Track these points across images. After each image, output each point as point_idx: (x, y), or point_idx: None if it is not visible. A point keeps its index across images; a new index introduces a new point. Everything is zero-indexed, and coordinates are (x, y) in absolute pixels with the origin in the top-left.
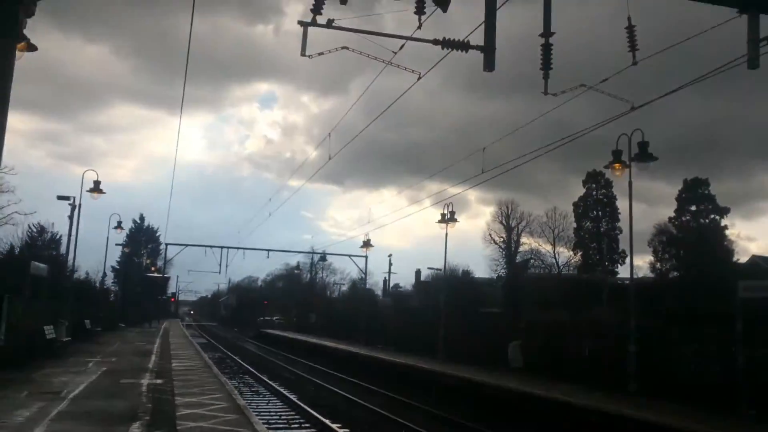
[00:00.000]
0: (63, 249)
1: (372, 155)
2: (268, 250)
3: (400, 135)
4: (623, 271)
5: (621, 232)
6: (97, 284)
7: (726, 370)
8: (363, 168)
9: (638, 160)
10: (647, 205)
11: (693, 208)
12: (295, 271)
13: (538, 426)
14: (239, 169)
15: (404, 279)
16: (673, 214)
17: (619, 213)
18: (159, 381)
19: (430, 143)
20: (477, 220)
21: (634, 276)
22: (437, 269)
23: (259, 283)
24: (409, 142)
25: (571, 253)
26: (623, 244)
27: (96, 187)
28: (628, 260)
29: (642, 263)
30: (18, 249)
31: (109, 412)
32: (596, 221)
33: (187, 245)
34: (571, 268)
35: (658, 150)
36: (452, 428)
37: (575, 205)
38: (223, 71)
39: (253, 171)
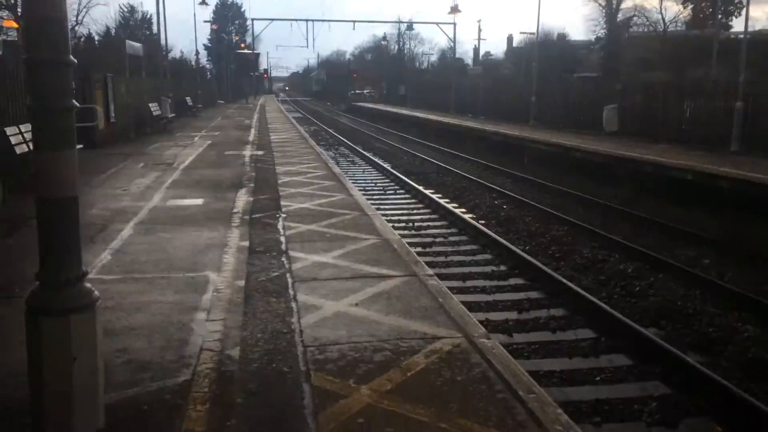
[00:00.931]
0: (155, 29)
1: None
2: (354, 21)
3: None
4: (738, 25)
5: None
6: (193, 62)
7: None
8: None
9: None
10: None
11: None
12: (382, 42)
13: (630, 187)
14: None
15: (495, 46)
16: None
17: None
18: (260, 152)
19: None
20: None
21: (751, 29)
22: (530, 33)
23: (348, 56)
24: None
25: (680, 6)
26: None
27: None
28: (744, 12)
29: (762, 14)
30: (113, 30)
31: (218, 181)
32: None
33: (273, 19)
34: (679, 25)
35: None
36: (539, 190)
37: None
38: None
39: None
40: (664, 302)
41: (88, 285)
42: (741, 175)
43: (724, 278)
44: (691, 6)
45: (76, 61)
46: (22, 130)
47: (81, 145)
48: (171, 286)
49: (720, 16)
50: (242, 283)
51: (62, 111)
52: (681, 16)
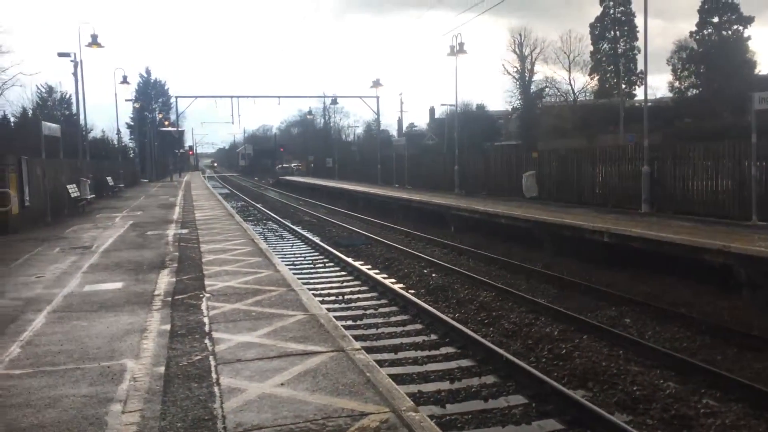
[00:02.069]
0: (74, 109)
1: None
2: (279, 97)
3: None
4: (641, 94)
5: (639, 51)
6: (114, 142)
7: (739, 185)
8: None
9: None
10: (664, 21)
11: (715, 19)
12: (308, 117)
13: (552, 249)
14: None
15: (418, 118)
16: (694, 29)
17: (638, 31)
18: (184, 231)
19: None
20: (487, 51)
21: (653, 97)
22: (451, 105)
23: (274, 130)
24: None
25: (587, 77)
26: (641, 65)
27: (94, 41)
28: (644, 82)
29: (660, 83)
30: (30, 111)
31: (139, 262)
32: (613, 42)
33: (197, 96)
34: (588, 94)
35: None
36: (466, 257)
37: (592, 26)
38: None
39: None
40: (590, 363)
41: None
42: (652, 235)
43: (644, 336)
44: (597, 77)
45: None
46: None
47: None
48: (85, 377)
49: (624, 86)
50: (162, 369)
51: None
52: (588, 86)
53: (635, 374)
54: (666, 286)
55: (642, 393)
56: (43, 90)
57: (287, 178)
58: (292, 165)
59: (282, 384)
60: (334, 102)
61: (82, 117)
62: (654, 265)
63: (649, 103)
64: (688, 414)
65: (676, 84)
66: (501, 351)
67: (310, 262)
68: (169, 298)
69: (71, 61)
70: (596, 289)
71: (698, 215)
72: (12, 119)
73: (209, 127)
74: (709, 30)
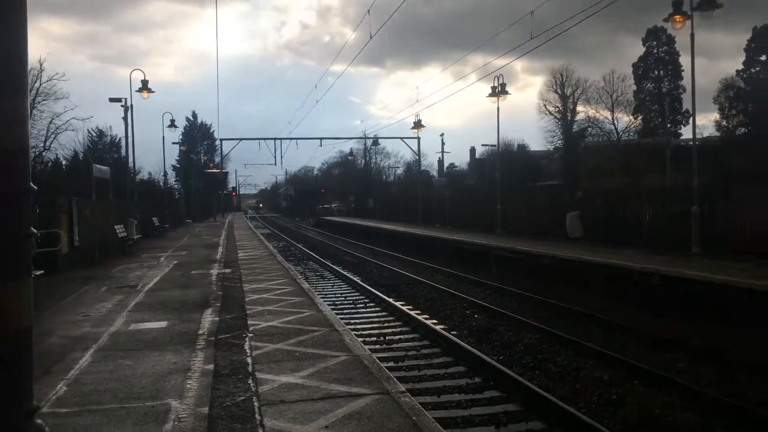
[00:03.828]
0: (123, 152)
1: (410, 33)
2: (321, 138)
3: (436, 7)
4: (687, 133)
5: (684, 91)
6: (161, 183)
7: None
8: (402, 47)
9: (701, 9)
10: (707, 60)
11: (763, 57)
12: (349, 158)
13: (601, 291)
14: (280, 59)
15: (458, 158)
16: (741, 67)
17: (682, 70)
18: (227, 270)
19: (467, 12)
20: (526, 92)
21: (699, 136)
22: (491, 145)
23: (315, 172)
24: (446, 13)
25: (631, 117)
26: (686, 104)
27: (144, 86)
28: (692, 121)
29: (707, 122)
30: (81, 154)
31: (183, 301)
32: (657, 81)
33: (241, 139)
34: (631, 134)
35: None
36: (510, 298)
37: (635, 65)
38: None
39: (294, 59)
40: (642, 410)
41: (39, 421)
42: (707, 277)
43: (700, 384)
44: (641, 116)
45: (36, 188)
46: None
47: (42, 270)
48: (130, 417)
49: (669, 125)
50: (206, 410)
51: (20, 240)
52: (632, 126)
53: (692, 423)
54: (724, 332)
55: None
56: (94, 134)
57: (328, 218)
58: (333, 205)
59: (327, 427)
60: (375, 143)
61: (131, 159)
62: (708, 308)
63: (696, 143)
64: None
65: (723, 123)
66: (548, 395)
67: (352, 302)
68: (213, 338)
69: (122, 105)
70: (646, 333)
71: (754, 255)
72: (64, 162)
73: (252, 168)
74: (757, 68)
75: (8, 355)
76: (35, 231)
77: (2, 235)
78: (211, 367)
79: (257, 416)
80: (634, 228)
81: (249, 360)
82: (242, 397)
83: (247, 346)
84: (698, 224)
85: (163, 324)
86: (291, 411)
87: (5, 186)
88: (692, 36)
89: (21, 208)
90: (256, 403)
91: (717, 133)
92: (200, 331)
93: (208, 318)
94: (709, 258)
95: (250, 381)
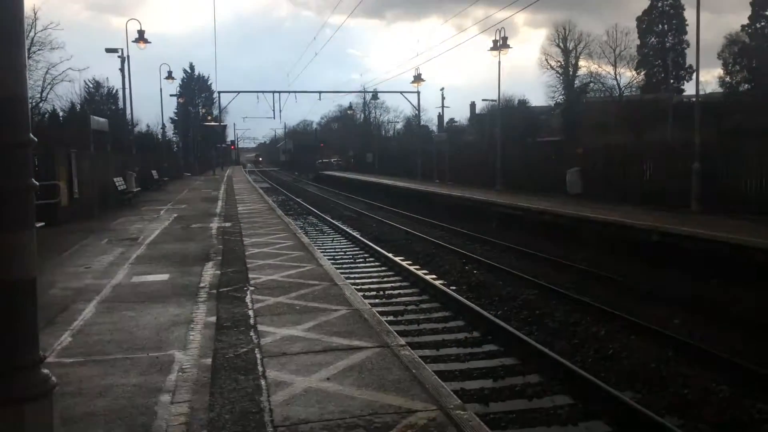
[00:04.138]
0: (121, 104)
1: None
2: (320, 92)
3: None
4: (690, 89)
5: (688, 46)
6: (159, 136)
7: None
8: None
9: None
10: (712, 14)
11: None
12: (348, 112)
13: (597, 248)
14: (277, 9)
15: (458, 113)
16: (746, 22)
17: (687, 25)
18: (227, 224)
19: None
20: (527, 46)
21: (702, 92)
22: (492, 100)
23: (314, 126)
24: None
25: (634, 73)
26: (690, 60)
27: (141, 37)
28: (695, 77)
29: (711, 78)
30: (78, 105)
31: (184, 255)
32: (661, 36)
33: (239, 92)
34: (634, 90)
35: None
36: (508, 254)
37: (639, 19)
38: None
39: (292, 9)
40: (639, 365)
41: (46, 371)
42: (709, 234)
43: (694, 338)
44: (644, 72)
45: (36, 139)
46: None
47: (42, 223)
48: (135, 367)
49: (672, 81)
50: (209, 361)
51: (21, 191)
52: (635, 81)
53: (686, 377)
54: (718, 289)
55: (693, 397)
56: (91, 85)
57: (327, 173)
58: (332, 160)
59: (328, 378)
60: (375, 97)
61: (128, 111)
62: (703, 265)
63: (700, 99)
64: (742, 419)
65: (727, 79)
66: (545, 350)
67: (351, 257)
68: (215, 291)
69: (118, 56)
70: (643, 289)
71: (753, 213)
72: (61, 113)
73: (251, 122)
74: (762, 23)
75: (13, 305)
76: (36, 183)
77: (4, 187)
78: (213, 319)
79: (259, 368)
80: (635, 184)
81: (251, 313)
82: (244, 349)
83: (248, 299)
84: (699, 181)
85: (164, 276)
86: (292, 363)
87: (6, 137)
88: None
89: (22, 159)
90: (258, 355)
91: (720, 90)
92: (202, 284)
93: (209, 271)
94: (708, 215)
95: (251, 333)
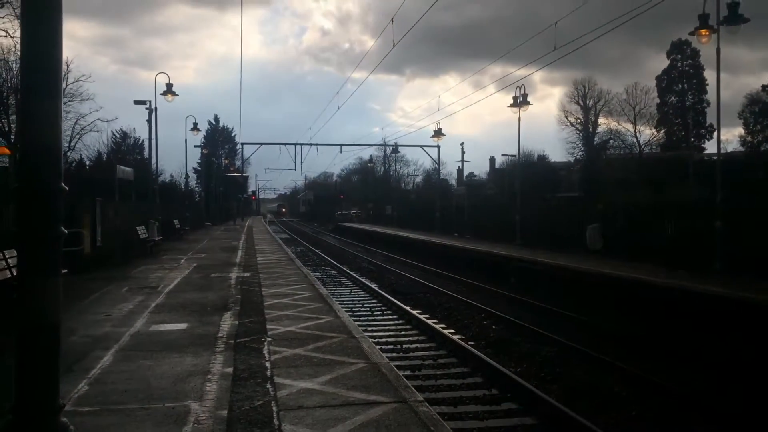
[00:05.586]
0: (146, 153)
1: (429, 40)
2: (341, 145)
3: (456, 14)
4: (710, 147)
5: (708, 105)
6: (182, 185)
7: None
8: (421, 54)
9: (728, 23)
10: (730, 74)
11: None
12: (368, 165)
13: (617, 306)
14: (300, 65)
15: (477, 167)
16: (766, 82)
17: (707, 84)
18: (246, 274)
19: (487, 21)
20: (544, 103)
21: (724, 151)
22: (511, 155)
23: (335, 178)
24: (466, 21)
25: (654, 131)
26: (710, 119)
27: (169, 90)
28: (716, 135)
29: (731, 137)
30: (104, 155)
31: (202, 304)
32: (681, 95)
33: (262, 144)
34: (654, 147)
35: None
36: (532, 312)
37: (658, 78)
38: None
39: (314, 66)
40: (658, 430)
41: (64, 419)
42: (736, 295)
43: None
44: (663, 130)
45: (67, 188)
46: (6, 256)
47: (65, 270)
48: (150, 417)
49: (692, 139)
50: (225, 413)
51: (52, 238)
52: (655, 139)
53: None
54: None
55: None
56: (118, 135)
57: (346, 224)
58: (351, 212)
59: None
60: (395, 150)
61: (153, 161)
62: (731, 326)
63: (721, 157)
64: None
65: (748, 138)
66: (566, 410)
67: (369, 309)
68: (232, 341)
69: (146, 108)
70: (669, 351)
71: None
72: (88, 162)
73: (272, 173)
74: None
75: (38, 352)
76: (65, 231)
77: (36, 233)
78: (230, 370)
79: (275, 421)
80: (656, 242)
81: (268, 364)
82: (261, 402)
83: (265, 351)
84: (721, 240)
85: (183, 326)
86: (309, 417)
87: (41, 185)
88: (718, 51)
89: (54, 208)
90: (274, 408)
91: (741, 148)
92: (219, 334)
93: (227, 321)
94: (731, 275)
95: (268, 385)
